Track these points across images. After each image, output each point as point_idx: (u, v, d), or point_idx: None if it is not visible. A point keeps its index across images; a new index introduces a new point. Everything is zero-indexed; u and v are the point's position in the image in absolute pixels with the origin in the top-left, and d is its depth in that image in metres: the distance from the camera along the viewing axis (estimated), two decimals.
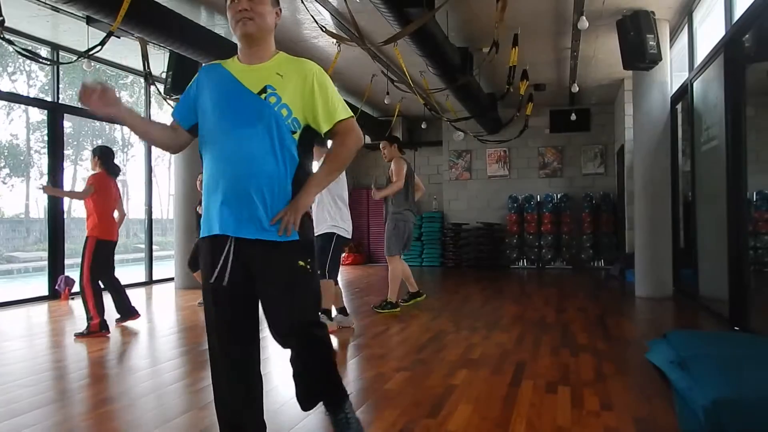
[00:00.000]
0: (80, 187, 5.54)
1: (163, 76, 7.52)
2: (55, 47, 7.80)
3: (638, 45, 6.56)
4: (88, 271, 5.20)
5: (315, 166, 4.41)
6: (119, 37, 6.16)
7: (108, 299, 5.40)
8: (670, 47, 7.49)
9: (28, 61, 14.75)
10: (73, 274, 5.29)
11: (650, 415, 2.96)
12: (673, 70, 7.49)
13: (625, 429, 2.78)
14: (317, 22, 5.76)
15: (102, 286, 5.36)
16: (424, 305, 6.37)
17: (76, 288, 7.00)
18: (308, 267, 2.20)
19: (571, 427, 2.78)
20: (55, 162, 7.80)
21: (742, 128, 5.12)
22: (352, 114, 2.26)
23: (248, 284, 2.17)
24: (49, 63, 7.79)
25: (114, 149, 5.83)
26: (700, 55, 6.45)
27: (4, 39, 4.91)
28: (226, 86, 2.18)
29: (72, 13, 6.32)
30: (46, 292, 7.56)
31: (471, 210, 12.41)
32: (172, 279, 9.12)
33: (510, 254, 11.92)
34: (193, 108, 2.25)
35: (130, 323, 5.65)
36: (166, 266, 9.73)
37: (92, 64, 6.73)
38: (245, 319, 2.22)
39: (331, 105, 2.20)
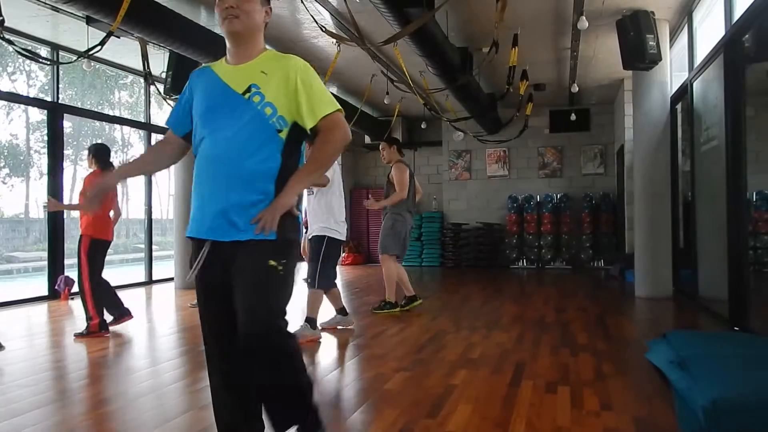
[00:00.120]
0: (79, 186, 5.46)
1: (163, 76, 7.52)
2: (55, 47, 7.80)
3: (638, 45, 6.56)
4: (87, 270, 5.14)
5: None
6: (119, 37, 6.16)
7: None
8: (670, 47, 7.49)
9: (27, 61, 14.75)
10: (73, 274, 5.25)
11: (650, 415, 2.96)
12: (672, 70, 7.49)
13: (625, 429, 2.78)
14: (317, 22, 5.76)
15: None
16: (424, 305, 6.36)
17: (75, 288, 6.99)
18: (279, 268, 2.08)
19: (571, 427, 2.78)
20: (55, 162, 7.80)
21: (742, 128, 5.12)
22: (340, 108, 2.13)
23: (228, 285, 2.11)
24: (48, 63, 7.79)
25: (114, 149, 5.79)
26: (700, 55, 6.45)
27: (4, 39, 4.90)
28: (213, 88, 2.16)
29: (72, 13, 6.32)
30: (45, 292, 7.56)
31: (471, 210, 12.41)
32: (171, 279, 9.12)
33: (510, 254, 11.92)
34: (188, 114, 2.24)
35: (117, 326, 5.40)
36: (166, 266, 9.73)
37: (92, 64, 6.74)
38: (231, 321, 2.12)
39: (316, 100, 2.10)
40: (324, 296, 5.08)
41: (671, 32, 7.46)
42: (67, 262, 7.81)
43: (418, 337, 4.96)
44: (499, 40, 5.99)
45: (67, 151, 16.25)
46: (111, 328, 5.24)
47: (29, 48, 6.93)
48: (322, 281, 4.94)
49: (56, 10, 6.31)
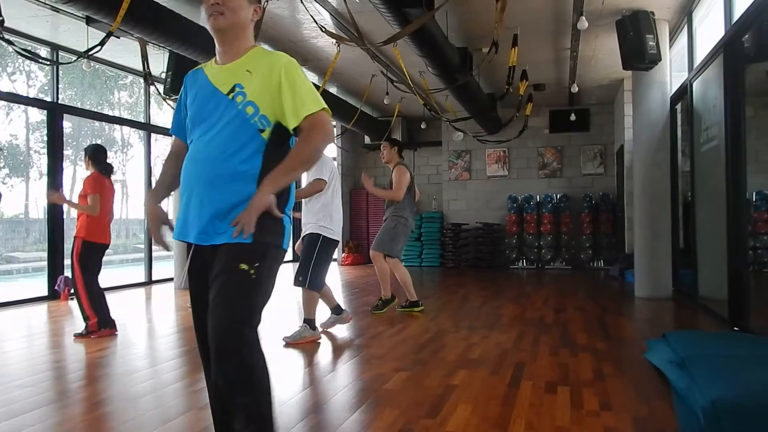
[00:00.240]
0: (79, 186, 5.40)
1: (163, 76, 7.52)
2: (55, 47, 7.80)
3: (638, 45, 6.56)
4: (79, 271, 5.08)
5: None
6: (119, 37, 6.17)
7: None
8: (670, 47, 7.49)
9: (27, 62, 14.75)
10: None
11: (649, 415, 2.96)
12: (672, 71, 7.49)
13: (625, 429, 2.78)
14: (317, 23, 5.76)
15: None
16: (424, 305, 6.35)
17: None
18: (252, 272, 1.97)
19: (571, 427, 2.78)
20: (55, 162, 7.80)
21: (742, 128, 5.12)
22: (325, 107, 2.03)
23: (208, 289, 2.06)
24: (48, 63, 7.78)
25: (114, 149, 5.77)
26: (700, 56, 6.46)
27: (3, 39, 4.90)
28: (202, 91, 2.13)
29: (72, 14, 6.32)
30: (45, 293, 7.56)
31: (470, 210, 12.41)
32: (171, 279, 9.12)
33: (509, 254, 11.92)
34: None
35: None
36: (166, 266, 9.73)
37: (92, 64, 6.74)
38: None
39: (299, 99, 2.00)
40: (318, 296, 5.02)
41: (671, 32, 7.46)
42: (66, 262, 7.80)
43: (417, 338, 4.96)
44: (499, 41, 5.99)
45: (67, 152, 16.24)
46: (92, 336, 5.06)
47: (29, 48, 6.93)
48: (314, 281, 4.85)
49: (56, 10, 6.32)
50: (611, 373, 3.76)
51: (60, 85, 8.20)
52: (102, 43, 5.37)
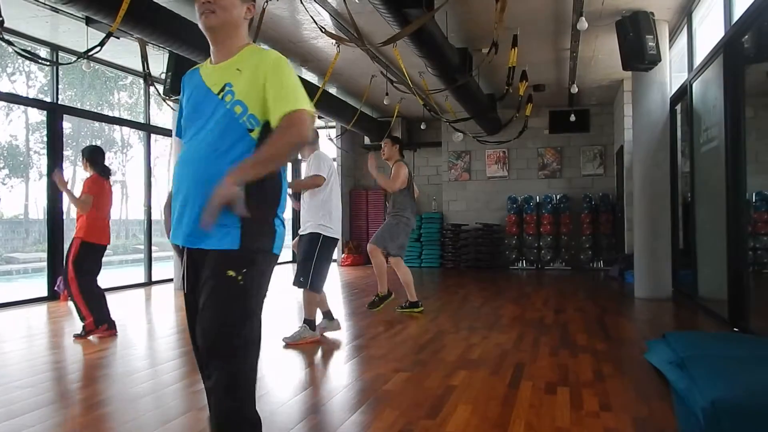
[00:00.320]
0: (78, 187, 5.37)
1: (163, 76, 7.52)
2: (55, 48, 7.80)
3: (637, 46, 6.56)
4: (73, 272, 5.06)
5: (302, 166, 4.38)
6: (118, 38, 6.16)
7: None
8: (670, 48, 7.49)
9: (27, 62, 14.75)
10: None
11: (649, 416, 2.96)
12: (672, 71, 7.49)
13: (624, 430, 2.78)
14: (317, 23, 5.76)
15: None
16: (423, 305, 6.35)
17: None
18: (239, 279, 1.93)
19: (570, 428, 2.78)
20: (55, 163, 7.79)
21: (742, 129, 5.13)
22: (308, 106, 1.95)
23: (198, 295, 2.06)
24: (48, 63, 7.78)
25: (113, 150, 5.76)
26: (700, 56, 6.46)
27: (3, 40, 4.90)
28: (196, 91, 2.11)
29: (71, 14, 6.32)
30: (45, 293, 7.56)
31: (470, 211, 12.41)
32: (171, 280, 9.12)
33: (509, 255, 11.92)
34: None
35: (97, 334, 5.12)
36: (166, 267, 9.73)
37: (91, 64, 6.74)
38: None
39: (282, 95, 1.95)
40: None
41: (671, 33, 7.47)
42: None
43: (417, 338, 4.96)
44: (499, 41, 5.99)
45: (67, 152, 16.24)
46: (90, 336, 5.06)
47: (29, 49, 6.93)
48: (316, 281, 4.82)
49: (56, 10, 6.32)
50: (611, 373, 3.76)
51: (60, 86, 8.20)
52: (102, 44, 5.37)
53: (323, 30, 5.81)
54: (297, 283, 4.85)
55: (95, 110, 16.96)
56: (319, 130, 5.59)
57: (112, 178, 5.47)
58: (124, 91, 17.46)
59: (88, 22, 6.37)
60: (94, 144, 5.71)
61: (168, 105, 7.92)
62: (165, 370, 4.05)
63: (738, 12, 5.04)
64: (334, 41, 6.08)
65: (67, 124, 14.76)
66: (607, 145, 11.74)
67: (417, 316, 6.03)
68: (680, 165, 7.79)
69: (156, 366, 4.22)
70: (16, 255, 15.75)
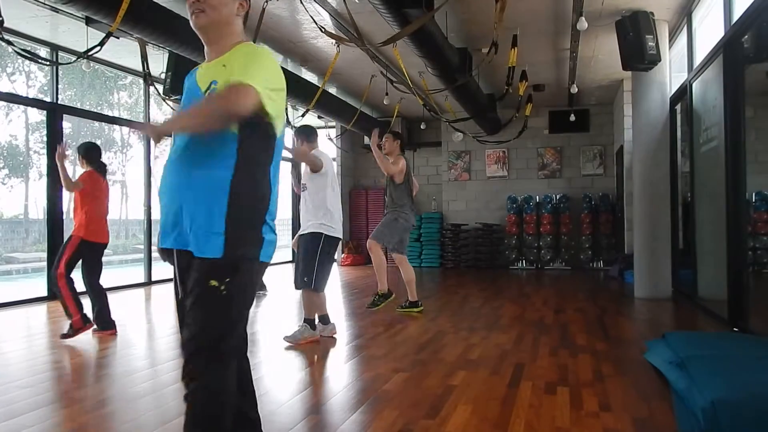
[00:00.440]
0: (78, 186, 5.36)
1: (162, 76, 7.52)
2: (55, 48, 7.79)
3: (637, 46, 6.56)
4: (64, 267, 5.02)
5: (303, 166, 4.35)
6: (118, 38, 6.16)
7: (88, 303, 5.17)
8: (669, 48, 7.49)
9: (27, 62, 14.75)
10: (73, 275, 5.18)
11: (649, 416, 2.96)
12: (672, 71, 7.49)
13: (624, 430, 2.78)
14: (316, 23, 5.76)
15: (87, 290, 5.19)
16: (423, 305, 6.35)
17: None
18: (222, 288, 1.91)
19: (570, 428, 2.78)
20: (54, 163, 7.78)
21: (742, 129, 5.13)
22: (255, 86, 1.86)
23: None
24: (48, 63, 7.78)
25: (113, 150, 5.75)
26: (699, 56, 6.46)
27: (3, 39, 4.90)
28: (190, 90, 2.11)
29: (71, 14, 6.32)
30: (45, 293, 7.55)
31: (470, 211, 12.42)
32: (170, 280, 9.10)
33: (509, 255, 11.92)
34: None
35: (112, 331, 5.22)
36: (165, 267, 9.71)
37: (91, 64, 6.73)
38: None
39: (240, 72, 1.89)
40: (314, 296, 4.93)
41: (670, 33, 7.47)
42: None
43: (417, 338, 4.96)
44: (499, 41, 5.99)
45: (67, 152, 16.22)
46: (95, 334, 5.11)
47: (28, 48, 6.93)
48: (319, 282, 4.79)
49: (55, 10, 6.31)
50: (611, 373, 3.76)
51: (60, 86, 8.20)
52: (101, 44, 5.37)
53: (323, 30, 5.80)
54: (301, 284, 4.81)
55: (95, 110, 16.97)
56: (319, 130, 5.57)
57: (110, 178, 5.45)
58: (124, 91, 17.48)
59: (88, 21, 6.36)
60: (89, 141, 5.70)
61: (168, 105, 7.92)
62: (165, 370, 4.05)
63: (738, 12, 5.04)
64: (334, 41, 6.08)
65: (67, 124, 14.77)
66: (607, 145, 11.74)
67: (417, 316, 6.03)
68: (680, 165, 7.79)
69: (156, 366, 4.22)
70: (16, 255, 15.76)
